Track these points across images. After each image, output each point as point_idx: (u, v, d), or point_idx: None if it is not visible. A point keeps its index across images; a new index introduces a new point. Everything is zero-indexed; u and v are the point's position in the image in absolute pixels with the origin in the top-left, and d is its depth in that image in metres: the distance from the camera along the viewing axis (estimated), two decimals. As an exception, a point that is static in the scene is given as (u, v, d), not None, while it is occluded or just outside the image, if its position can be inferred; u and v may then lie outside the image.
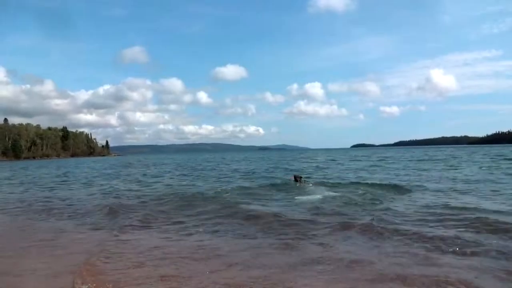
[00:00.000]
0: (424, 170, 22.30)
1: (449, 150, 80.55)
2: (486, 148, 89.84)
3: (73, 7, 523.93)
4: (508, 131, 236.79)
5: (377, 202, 10.29)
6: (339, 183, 15.96)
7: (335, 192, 12.69)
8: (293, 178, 16.32)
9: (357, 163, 34.92)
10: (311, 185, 15.14)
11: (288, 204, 10.63)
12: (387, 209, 9.11)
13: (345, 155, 60.34)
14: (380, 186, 14.37)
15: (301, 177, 16.15)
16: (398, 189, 13.12)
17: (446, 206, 9.04)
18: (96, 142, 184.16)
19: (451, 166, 24.96)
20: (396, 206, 9.47)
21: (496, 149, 71.86)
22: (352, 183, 15.84)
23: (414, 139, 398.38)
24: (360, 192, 12.41)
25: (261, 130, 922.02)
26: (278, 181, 17.39)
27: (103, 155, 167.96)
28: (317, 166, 30.24)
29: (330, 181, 16.95)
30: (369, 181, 16.06)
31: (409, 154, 55.89)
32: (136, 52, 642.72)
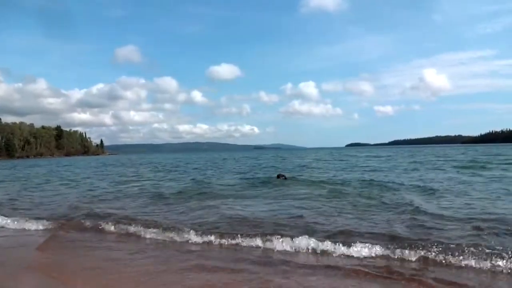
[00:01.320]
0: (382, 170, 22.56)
1: (435, 149, 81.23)
2: (477, 147, 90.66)
3: (69, 7, 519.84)
4: (502, 130, 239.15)
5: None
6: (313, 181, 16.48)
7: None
8: (277, 176, 18.06)
9: (337, 162, 35.04)
10: (285, 179, 16.94)
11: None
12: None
13: (327, 155, 60.44)
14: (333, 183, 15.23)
15: (283, 175, 17.78)
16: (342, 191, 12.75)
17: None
18: (91, 141, 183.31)
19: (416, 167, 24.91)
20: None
21: (485, 148, 72.55)
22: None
23: (409, 138, 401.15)
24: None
25: (256, 129, 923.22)
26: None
27: (97, 154, 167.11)
28: (299, 165, 30.63)
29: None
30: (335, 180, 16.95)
31: (390, 153, 56.52)
32: (130, 51, 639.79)
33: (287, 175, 18.54)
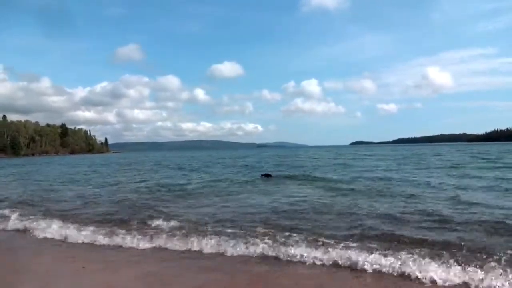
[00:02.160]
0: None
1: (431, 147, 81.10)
2: (475, 146, 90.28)
3: (71, 6, 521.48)
4: (507, 128, 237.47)
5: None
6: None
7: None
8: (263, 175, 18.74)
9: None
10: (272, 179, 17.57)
11: None
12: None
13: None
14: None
15: (268, 174, 18.62)
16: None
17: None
18: (95, 139, 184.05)
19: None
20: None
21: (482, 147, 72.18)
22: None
23: (413, 137, 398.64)
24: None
25: (259, 128, 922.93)
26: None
27: (102, 152, 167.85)
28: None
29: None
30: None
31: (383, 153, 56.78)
32: (132, 50, 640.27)
33: (274, 173, 19.17)
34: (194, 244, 6.61)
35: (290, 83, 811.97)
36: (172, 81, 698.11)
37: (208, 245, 6.50)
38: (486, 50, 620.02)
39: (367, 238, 6.47)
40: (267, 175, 18.25)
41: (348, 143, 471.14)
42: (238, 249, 6.21)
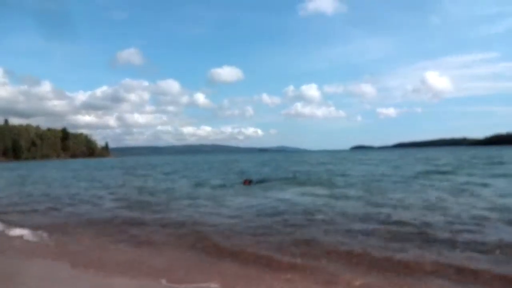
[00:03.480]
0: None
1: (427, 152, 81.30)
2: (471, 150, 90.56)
3: (71, 9, 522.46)
4: (507, 132, 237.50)
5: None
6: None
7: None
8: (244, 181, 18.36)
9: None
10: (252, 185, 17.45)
11: None
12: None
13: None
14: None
15: (250, 180, 18.36)
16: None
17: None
18: (96, 143, 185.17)
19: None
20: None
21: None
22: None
23: (413, 141, 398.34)
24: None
25: (259, 132, 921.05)
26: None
27: (103, 156, 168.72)
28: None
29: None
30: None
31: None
32: (132, 54, 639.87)
33: (261, 179, 19.51)
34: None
35: (290, 87, 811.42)
36: (172, 85, 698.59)
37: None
38: (488, 55, 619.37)
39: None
40: (249, 181, 18.01)
41: (348, 147, 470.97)
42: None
